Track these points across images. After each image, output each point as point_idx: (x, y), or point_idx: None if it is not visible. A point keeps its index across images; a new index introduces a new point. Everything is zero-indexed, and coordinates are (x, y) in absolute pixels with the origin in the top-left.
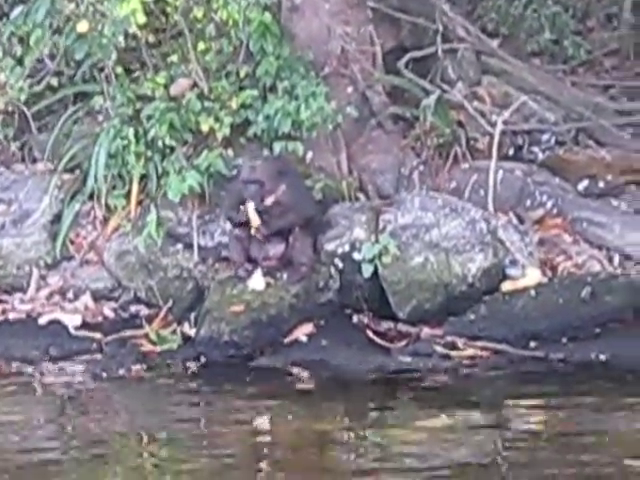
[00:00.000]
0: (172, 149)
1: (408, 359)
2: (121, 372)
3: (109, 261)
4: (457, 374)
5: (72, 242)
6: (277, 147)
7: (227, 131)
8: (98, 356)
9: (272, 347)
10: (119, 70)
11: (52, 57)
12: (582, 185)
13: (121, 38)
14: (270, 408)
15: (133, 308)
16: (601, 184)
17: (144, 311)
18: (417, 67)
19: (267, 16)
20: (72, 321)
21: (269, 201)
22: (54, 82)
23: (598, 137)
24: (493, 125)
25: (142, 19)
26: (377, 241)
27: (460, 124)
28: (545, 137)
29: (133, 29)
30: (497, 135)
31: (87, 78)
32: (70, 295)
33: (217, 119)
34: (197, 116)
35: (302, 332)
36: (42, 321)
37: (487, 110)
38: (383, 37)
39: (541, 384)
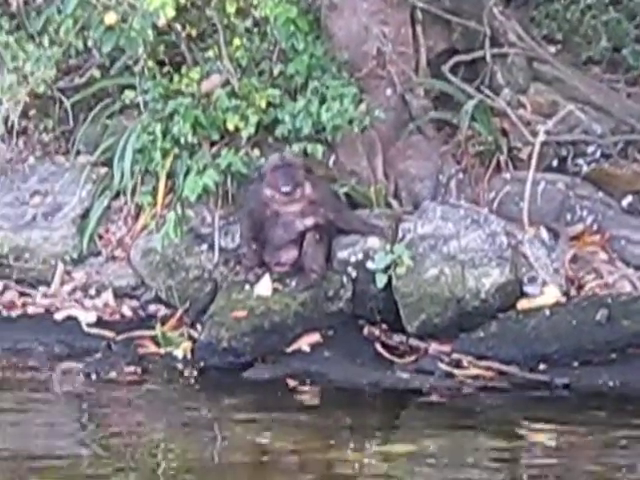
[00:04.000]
0: (201, 146)
1: (406, 376)
2: (113, 374)
3: (135, 259)
4: (456, 394)
5: (101, 238)
6: (296, 148)
7: (252, 130)
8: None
9: (273, 356)
10: (150, 64)
11: (87, 50)
12: (626, 201)
13: (150, 32)
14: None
15: (152, 308)
16: None
17: (163, 311)
18: (468, 72)
19: (294, 11)
20: (86, 318)
21: (296, 195)
22: (97, 74)
23: None
24: (536, 134)
25: (172, 13)
26: (392, 251)
27: (504, 132)
28: (590, 149)
29: (162, 22)
30: (538, 145)
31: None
32: (92, 291)
33: (243, 117)
34: (224, 114)
35: (306, 342)
36: (58, 317)
37: (532, 119)
38: (434, 39)
39: (539, 410)
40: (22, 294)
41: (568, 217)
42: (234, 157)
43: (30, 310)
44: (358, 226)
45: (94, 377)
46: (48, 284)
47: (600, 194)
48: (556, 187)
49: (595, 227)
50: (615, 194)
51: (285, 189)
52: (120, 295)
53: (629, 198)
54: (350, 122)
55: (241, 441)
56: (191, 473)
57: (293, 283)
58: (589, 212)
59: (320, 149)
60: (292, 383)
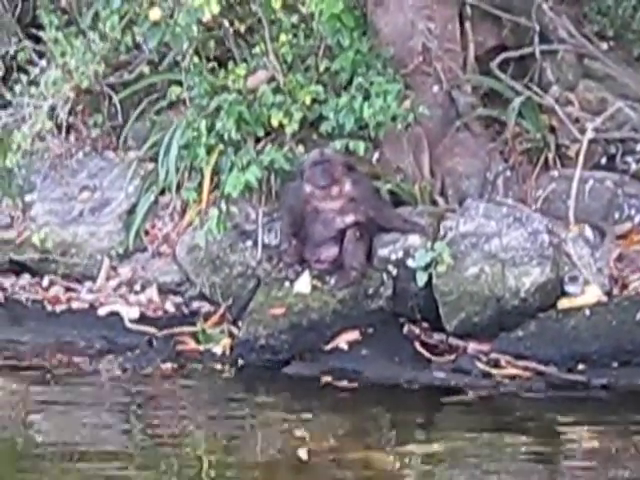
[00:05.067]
0: (245, 143)
1: (442, 375)
2: (149, 369)
3: (180, 255)
4: (492, 393)
5: (147, 233)
6: (338, 145)
7: (296, 126)
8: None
9: (311, 354)
10: (196, 60)
11: (137, 46)
12: None
13: (194, 28)
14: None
15: (195, 304)
16: None
17: (206, 308)
18: (518, 68)
19: (339, 7)
20: (129, 314)
21: (334, 191)
22: (146, 70)
23: None
24: (584, 132)
25: (216, 9)
26: (432, 249)
27: (552, 129)
28: (639, 147)
29: (207, 18)
30: (585, 142)
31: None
32: (137, 287)
33: (287, 114)
34: (269, 110)
35: (345, 340)
36: (101, 312)
37: (580, 116)
38: (483, 36)
39: (576, 411)
40: (68, 289)
41: (616, 215)
42: (276, 153)
43: (74, 305)
44: (399, 224)
45: (130, 373)
46: (94, 279)
47: None
48: (604, 185)
49: None
50: None
51: (322, 183)
52: (165, 291)
53: None
54: (394, 119)
55: (279, 439)
56: (231, 469)
57: (333, 280)
58: (637, 210)
59: (362, 146)
60: (328, 381)
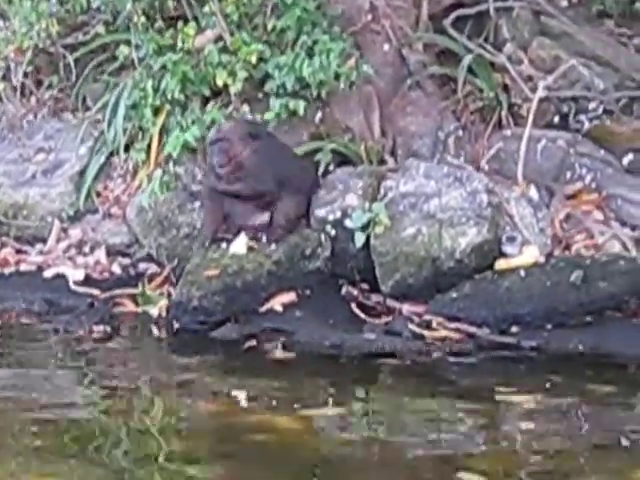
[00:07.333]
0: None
1: (372, 337)
2: (81, 332)
3: (130, 216)
4: (421, 355)
5: (99, 195)
6: (277, 105)
7: (239, 86)
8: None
9: (245, 315)
10: (143, 19)
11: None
12: (627, 159)
13: None
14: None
15: (142, 266)
16: None
17: (152, 270)
18: (475, 26)
19: None
20: (74, 276)
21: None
22: (101, 31)
23: None
24: (535, 90)
25: None
26: (370, 209)
27: (505, 88)
28: (592, 105)
29: None
30: (535, 101)
31: None
32: (86, 249)
33: (231, 73)
34: (215, 69)
35: (280, 301)
36: (47, 274)
37: (533, 74)
38: None
39: (502, 373)
40: (18, 251)
41: (568, 175)
42: (218, 113)
43: (22, 267)
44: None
45: (62, 335)
46: (45, 242)
47: (601, 152)
48: (556, 144)
49: (594, 186)
50: (616, 152)
51: (219, 162)
52: (113, 253)
53: (630, 156)
54: (337, 77)
55: (204, 402)
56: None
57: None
58: (588, 170)
59: (302, 105)
60: (257, 344)
